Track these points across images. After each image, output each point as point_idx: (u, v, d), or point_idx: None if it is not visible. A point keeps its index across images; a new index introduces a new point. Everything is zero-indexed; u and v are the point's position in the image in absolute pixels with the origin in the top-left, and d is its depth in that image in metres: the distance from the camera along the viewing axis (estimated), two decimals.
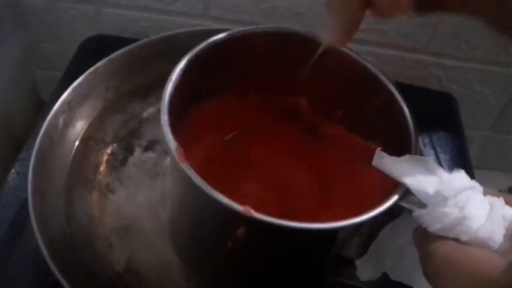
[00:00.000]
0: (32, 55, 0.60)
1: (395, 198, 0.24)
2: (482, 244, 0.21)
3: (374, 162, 0.25)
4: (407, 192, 0.24)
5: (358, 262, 0.29)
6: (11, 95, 0.58)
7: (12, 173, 0.42)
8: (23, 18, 0.57)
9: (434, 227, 0.22)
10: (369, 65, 0.30)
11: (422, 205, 0.23)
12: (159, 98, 0.45)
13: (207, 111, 0.33)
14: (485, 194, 0.23)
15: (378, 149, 0.25)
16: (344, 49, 0.30)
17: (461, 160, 0.48)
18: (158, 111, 0.44)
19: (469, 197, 0.22)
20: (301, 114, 0.35)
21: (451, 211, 0.21)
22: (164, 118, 0.26)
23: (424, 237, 0.23)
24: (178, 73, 0.28)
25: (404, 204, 0.24)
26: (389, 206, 0.24)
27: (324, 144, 0.35)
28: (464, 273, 0.20)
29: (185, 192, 0.28)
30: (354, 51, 0.31)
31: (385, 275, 0.28)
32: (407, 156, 0.25)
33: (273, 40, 0.31)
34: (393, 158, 0.25)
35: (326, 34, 0.28)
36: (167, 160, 0.42)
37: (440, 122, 0.51)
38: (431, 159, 0.24)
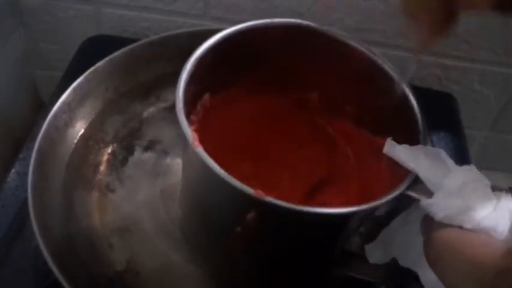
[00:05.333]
0: (32, 55, 0.60)
1: (402, 188, 0.24)
2: (485, 234, 0.21)
3: (385, 150, 0.26)
4: (415, 182, 0.24)
5: (367, 247, 0.29)
6: (11, 95, 0.57)
7: (12, 173, 0.42)
8: (23, 19, 0.57)
9: (440, 215, 0.22)
10: (380, 61, 0.30)
11: (430, 195, 0.23)
12: (159, 97, 0.46)
13: (219, 102, 0.33)
14: (493, 189, 0.23)
15: (389, 138, 0.26)
16: (356, 44, 0.31)
17: (461, 160, 0.48)
18: (159, 111, 0.45)
19: (476, 189, 0.22)
20: (311, 108, 0.35)
21: (456, 201, 0.22)
22: (180, 105, 0.26)
23: (429, 225, 0.23)
24: (192, 62, 0.28)
25: (411, 193, 0.24)
26: (396, 194, 0.24)
27: (332, 139, 0.35)
28: (463, 257, 0.20)
29: (199, 178, 0.28)
30: (366, 47, 0.31)
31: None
32: (419, 146, 0.25)
33: (286, 34, 0.32)
34: (406, 146, 0.25)
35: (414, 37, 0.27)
36: (168, 160, 0.42)
37: (440, 122, 0.51)
38: (442, 151, 0.25)
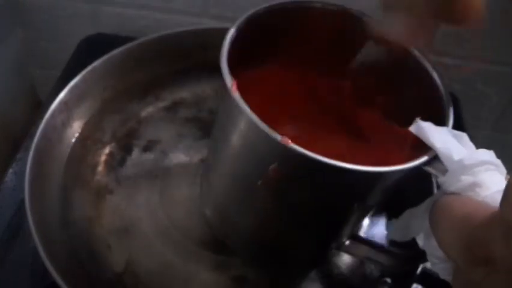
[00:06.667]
0: (30, 54, 0.60)
1: (422, 160, 0.25)
2: None
3: (412, 128, 0.27)
4: (435, 161, 0.25)
5: (389, 223, 0.31)
6: (8, 94, 0.57)
7: (10, 173, 0.42)
8: (21, 17, 0.56)
9: (450, 189, 0.23)
10: (416, 53, 0.30)
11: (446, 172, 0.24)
12: (158, 97, 0.45)
13: (255, 75, 0.33)
14: (506, 179, 0.23)
15: (417, 118, 0.27)
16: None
17: None
18: (157, 110, 0.45)
19: (488, 170, 0.23)
20: (342, 96, 0.35)
21: (467, 177, 0.23)
22: (224, 54, 0.27)
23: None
24: (242, 21, 0.29)
25: (429, 169, 0.25)
26: (416, 165, 0.25)
27: (359, 129, 0.35)
28: (453, 213, 0.21)
29: (230, 126, 0.29)
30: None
31: None
32: (445, 128, 0.26)
33: (330, 17, 0.32)
34: (432, 125, 0.26)
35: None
36: (166, 160, 0.41)
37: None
38: (465, 134, 0.26)
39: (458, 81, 0.55)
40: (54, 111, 0.39)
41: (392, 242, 0.30)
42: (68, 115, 0.40)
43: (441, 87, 0.29)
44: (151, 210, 0.38)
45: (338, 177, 0.26)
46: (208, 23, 0.53)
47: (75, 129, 0.41)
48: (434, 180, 0.29)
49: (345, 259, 0.35)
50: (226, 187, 0.33)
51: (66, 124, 0.40)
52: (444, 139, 0.25)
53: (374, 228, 0.33)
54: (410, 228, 0.28)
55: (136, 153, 0.42)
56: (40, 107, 0.50)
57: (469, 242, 0.19)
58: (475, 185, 0.22)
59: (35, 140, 0.37)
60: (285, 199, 0.30)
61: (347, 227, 0.32)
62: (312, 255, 0.35)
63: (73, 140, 0.40)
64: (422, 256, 0.26)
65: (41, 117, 0.38)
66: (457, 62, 0.54)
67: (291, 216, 0.30)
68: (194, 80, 0.46)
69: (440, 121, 0.28)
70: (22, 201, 0.35)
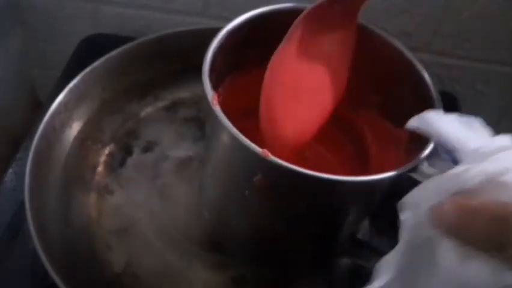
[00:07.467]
0: (30, 54, 0.60)
1: (408, 167, 0.25)
2: None
3: (414, 122, 0.25)
4: (423, 162, 0.25)
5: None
6: (8, 94, 0.57)
7: (10, 173, 0.42)
8: (21, 17, 0.56)
9: (470, 182, 0.21)
10: (406, 52, 0.31)
11: (447, 169, 0.22)
12: (157, 97, 0.45)
13: (242, 82, 0.33)
14: None
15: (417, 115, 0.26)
16: (385, 35, 0.31)
17: None
18: (157, 110, 0.45)
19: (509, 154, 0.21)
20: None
21: (493, 165, 0.21)
22: (206, 68, 0.27)
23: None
24: (224, 33, 0.29)
25: (415, 176, 0.25)
26: (400, 173, 0.25)
27: (355, 128, 0.35)
28: (486, 220, 0.20)
29: (215, 137, 0.29)
30: (395, 38, 0.31)
31: None
32: (452, 115, 0.24)
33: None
34: (438, 114, 0.24)
35: None
36: (166, 160, 0.41)
37: None
38: (477, 119, 0.24)
39: (458, 81, 0.55)
40: (54, 112, 0.39)
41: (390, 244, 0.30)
42: (67, 116, 0.40)
43: (431, 87, 0.29)
44: (151, 210, 0.38)
45: (321, 186, 0.26)
46: (208, 23, 0.53)
47: (75, 129, 0.41)
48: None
49: (344, 259, 0.35)
50: (219, 194, 0.34)
51: (65, 125, 0.40)
52: (454, 128, 0.23)
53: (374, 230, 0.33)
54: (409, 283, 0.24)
55: (135, 153, 0.42)
56: (40, 107, 0.50)
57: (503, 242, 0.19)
58: (500, 174, 0.20)
59: (35, 140, 0.37)
60: (275, 206, 0.30)
61: (345, 229, 0.32)
62: (311, 257, 0.35)
63: (73, 141, 0.40)
64: None
65: (41, 118, 0.38)
66: (457, 63, 0.54)
67: (284, 221, 0.30)
68: (194, 80, 0.46)
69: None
70: (22, 201, 0.35)
